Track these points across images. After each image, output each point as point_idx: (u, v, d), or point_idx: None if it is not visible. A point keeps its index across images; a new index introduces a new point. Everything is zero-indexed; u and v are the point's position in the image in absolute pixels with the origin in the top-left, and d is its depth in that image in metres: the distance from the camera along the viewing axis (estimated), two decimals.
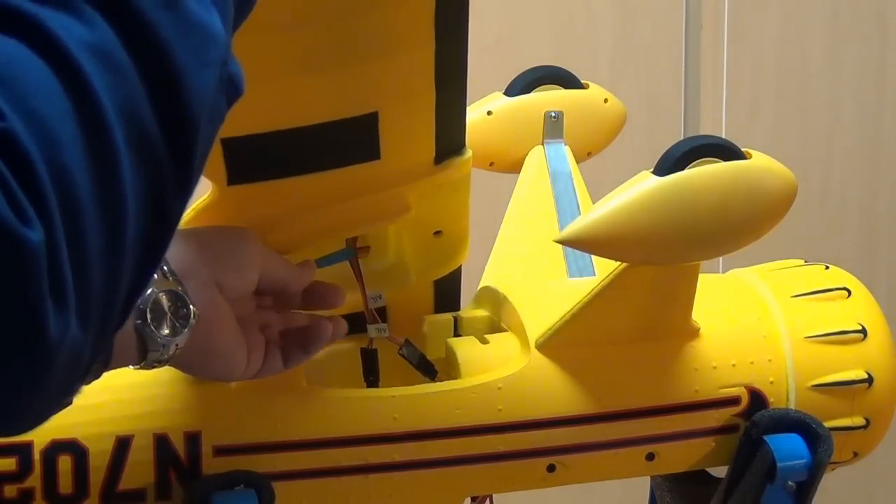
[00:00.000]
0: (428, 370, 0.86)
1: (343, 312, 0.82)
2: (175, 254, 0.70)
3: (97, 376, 0.66)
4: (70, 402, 0.48)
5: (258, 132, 0.71)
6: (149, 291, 0.67)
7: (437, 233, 0.87)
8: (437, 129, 0.76)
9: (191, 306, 0.69)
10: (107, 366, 0.66)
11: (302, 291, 0.80)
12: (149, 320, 0.67)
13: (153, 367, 0.69)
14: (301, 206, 0.79)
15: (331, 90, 0.70)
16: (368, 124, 0.73)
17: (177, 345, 0.69)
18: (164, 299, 0.67)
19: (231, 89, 0.49)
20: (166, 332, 0.68)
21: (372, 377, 0.85)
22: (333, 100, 0.71)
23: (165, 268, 0.68)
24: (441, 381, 0.85)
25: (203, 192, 0.78)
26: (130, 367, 0.69)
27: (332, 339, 0.80)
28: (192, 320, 0.69)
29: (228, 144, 0.71)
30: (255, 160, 0.74)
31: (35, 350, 0.40)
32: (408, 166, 0.79)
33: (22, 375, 0.41)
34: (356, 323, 0.85)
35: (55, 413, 0.46)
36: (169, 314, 0.68)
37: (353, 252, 0.83)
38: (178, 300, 0.68)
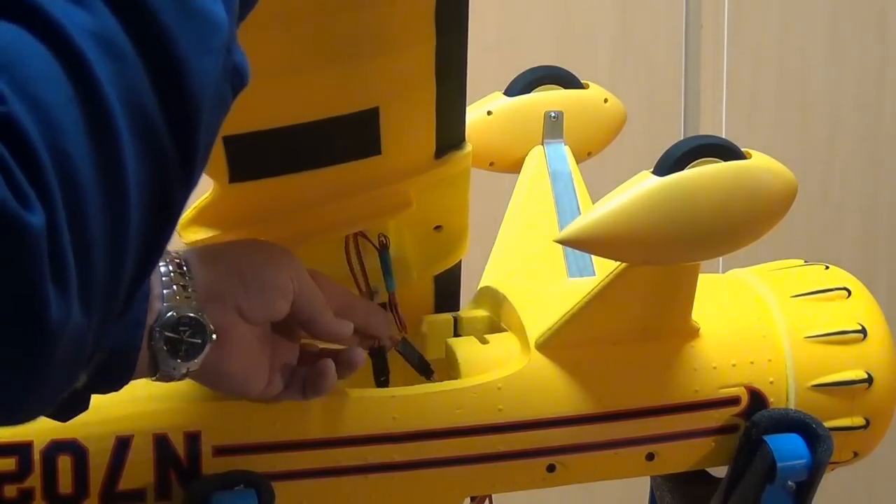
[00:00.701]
0: (424, 369, 0.86)
1: None
2: (202, 274, 0.70)
3: (108, 380, 0.67)
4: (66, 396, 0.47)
5: (259, 129, 0.71)
6: (169, 313, 0.67)
7: (438, 227, 0.87)
8: (438, 123, 0.76)
9: (207, 332, 0.68)
10: (130, 375, 0.67)
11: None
12: (163, 342, 0.67)
13: (168, 382, 0.70)
14: (302, 202, 0.79)
15: (332, 86, 0.70)
16: (369, 120, 0.73)
17: (188, 368, 0.69)
18: (181, 323, 0.67)
19: (236, 78, 0.49)
20: (179, 354, 0.68)
21: (384, 377, 0.84)
22: (334, 95, 0.71)
23: (190, 288, 0.68)
24: (441, 381, 0.85)
25: (205, 190, 0.79)
26: (146, 379, 0.70)
27: (346, 374, 0.79)
28: (206, 347, 0.69)
29: (229, 142, 0.71)
30: (256, 157, 0.74)
31: (37, 333, 0.40)
32: (409, 161, 0.79)
33: (24, 359, 0.41)
34: None
35: (59, 399, 0.45)
36: (184, 338, 0.68)
37: (386, 251, 0.83)
38: (196, 325, 0.68)
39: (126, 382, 0.68)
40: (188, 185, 0.47)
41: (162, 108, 0.44)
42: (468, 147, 0.81)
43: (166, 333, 0.67)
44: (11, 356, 0.41)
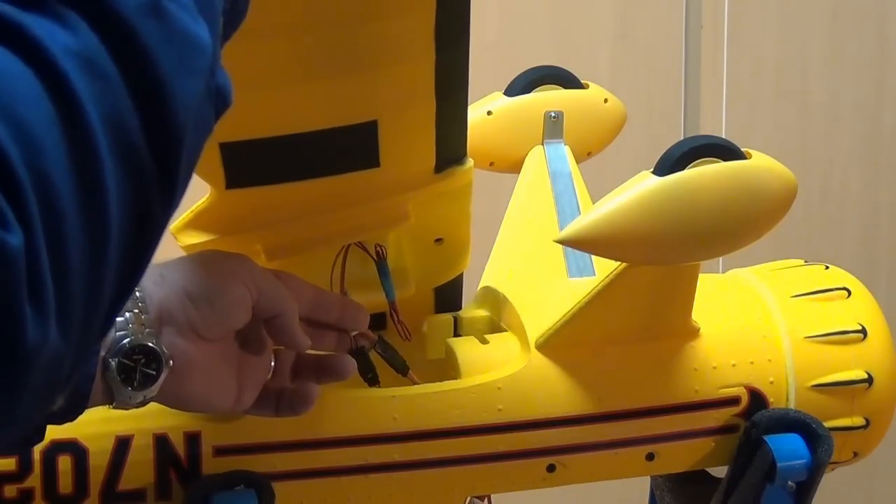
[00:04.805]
0: (402, 368, 0.85)
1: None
2: (156, 296, 0.68)
3: (78, 401, 0.65)
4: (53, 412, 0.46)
5: (256, 137, 0.71)
6: (122, 341, 0.66)
7: (438, 240, 0.87)
8: (438, 138, 0.76)
9: (162, 361, 0.67)
10: (84, 405, 0.66)
11: (313, 365, 0.78)
12: (116, 372, 0.66)
13: (127, 409, 0.69)
14: (299, 211, 0.79)
15: (330, 97, 0.70)
16: (368, 132, 0.72)
17: (145, 396, 0.68)
18: (135, 352, 0.66)
19: (219, 100, 0.49)
20: (133, 384, 0.67)
21: (370, 374, 0.84)
22: (333, 107, 0.71)
23: (144, 316, 0.67)
24: (441, 381, 0.85)
25: (202, 194, 0.78)
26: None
27: (333, 380, 0.79)
28: (162, 374, 0.68)
29: (227, 148, 0.71)
30: (253, 165, 0.74)
31: (12, 355, 0.40)
32: (408, 175, 0.79)
33: None
34: None
35: (37, 421, 0.44)
36: (138, 367, 0.67)
37: (384, 263, 0.83)
38: (150, 354, 0.67)
39: (80, 412, 0.66)
40: (169, 206, 0.47)
41: (144, 130, 0.44)
42: (469, 163, 0.80)
43: (120, 361, 0.66)
44: None
